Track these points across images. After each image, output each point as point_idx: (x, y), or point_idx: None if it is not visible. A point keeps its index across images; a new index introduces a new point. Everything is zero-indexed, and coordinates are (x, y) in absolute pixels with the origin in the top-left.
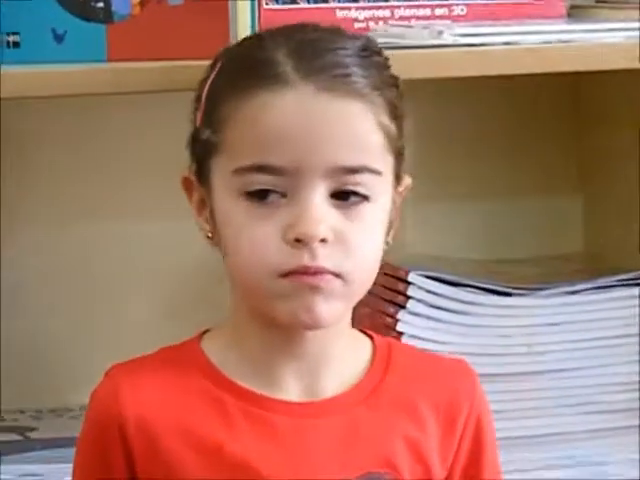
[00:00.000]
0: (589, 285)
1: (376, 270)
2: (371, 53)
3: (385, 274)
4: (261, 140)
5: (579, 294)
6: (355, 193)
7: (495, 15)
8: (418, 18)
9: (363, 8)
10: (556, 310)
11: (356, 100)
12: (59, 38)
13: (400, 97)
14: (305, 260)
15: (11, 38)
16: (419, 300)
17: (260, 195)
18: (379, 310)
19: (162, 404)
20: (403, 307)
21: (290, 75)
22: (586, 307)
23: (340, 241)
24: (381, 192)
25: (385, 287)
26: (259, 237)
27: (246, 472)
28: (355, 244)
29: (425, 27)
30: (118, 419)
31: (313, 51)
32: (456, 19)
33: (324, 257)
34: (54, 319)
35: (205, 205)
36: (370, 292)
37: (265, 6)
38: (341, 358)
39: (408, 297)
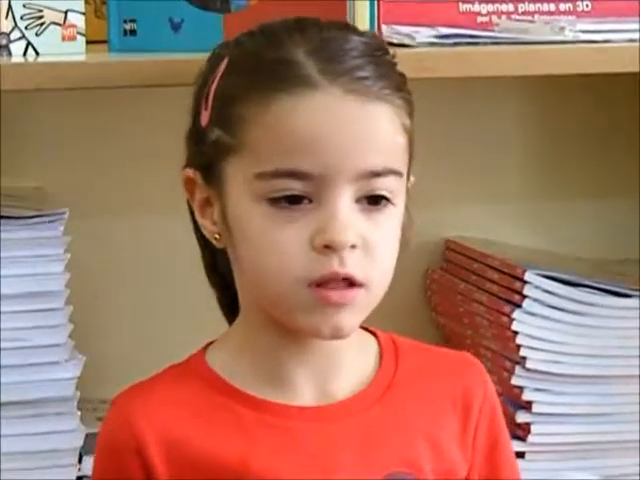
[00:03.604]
0: None
1: (391, 275)
2: (383, 52)
3: (501, 272)
4: (287, 144)
5: None
6: (383, 197)
7: (621, 11)
8: (542, 13)
9: (487, 2)
10: None
11: (382, 103)
12: (176, 27)
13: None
14: (335, 266)
15: (128, 26)
16: (535, 299)
17: (286, 200)
18: (494, 308)
19: (180, 425)
20: (519, 306)
21: (316, 78)
22: None
23: (365, 247)
24: (401, 194)
25: (501, 285)
26: (285, 243)
27: None
28: (379, 251)
29: (547, 22)
30: (135, 445)
31: (334, 52)
32: (580, 15)
33: (352, 264)
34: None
35: (210, 205)
36: (485, 290)
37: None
38: (351, 358)
39: (524, 296)
